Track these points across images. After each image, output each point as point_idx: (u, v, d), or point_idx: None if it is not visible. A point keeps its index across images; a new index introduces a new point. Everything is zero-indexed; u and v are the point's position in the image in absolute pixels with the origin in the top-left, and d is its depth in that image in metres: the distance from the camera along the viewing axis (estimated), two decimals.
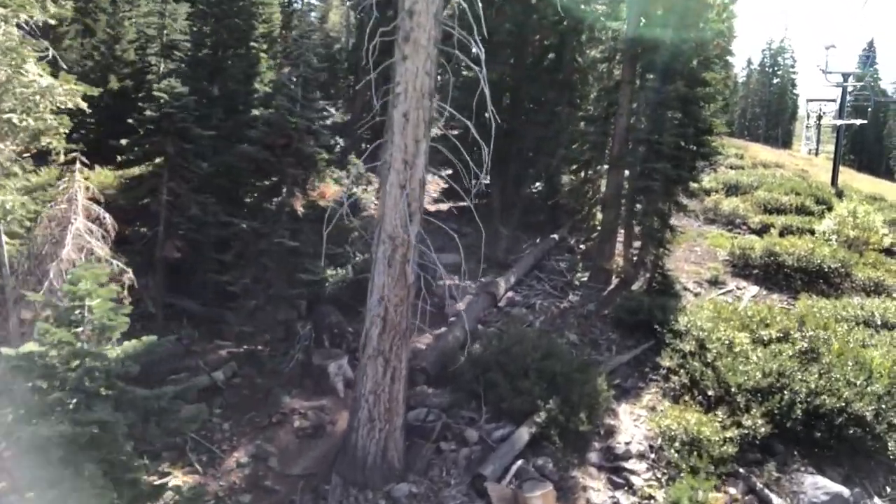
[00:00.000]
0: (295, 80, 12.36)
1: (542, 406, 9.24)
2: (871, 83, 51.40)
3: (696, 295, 17.85)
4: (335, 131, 42.63)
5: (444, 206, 26.97)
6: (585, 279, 17.87)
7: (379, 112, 8.60)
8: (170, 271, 12.57)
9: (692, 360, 11.39)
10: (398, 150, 7.51)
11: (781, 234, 24.70)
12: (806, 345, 11.37)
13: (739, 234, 26.25)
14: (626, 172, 17.91)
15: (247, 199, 11.36)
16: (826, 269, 19.25)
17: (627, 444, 9.92)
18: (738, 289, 18.77)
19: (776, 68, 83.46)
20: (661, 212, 17.13)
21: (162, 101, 12.07)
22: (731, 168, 49.93)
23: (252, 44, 19.36)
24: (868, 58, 70.23)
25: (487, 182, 26.62)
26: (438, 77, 9.22)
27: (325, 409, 10.77)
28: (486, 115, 7.25)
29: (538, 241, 22.10)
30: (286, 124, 11.72)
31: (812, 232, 24.37)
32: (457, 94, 9.56)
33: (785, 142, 77.77)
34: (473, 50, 7.68)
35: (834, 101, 47.28)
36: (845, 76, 41.06)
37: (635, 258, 18.12)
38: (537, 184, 26.08)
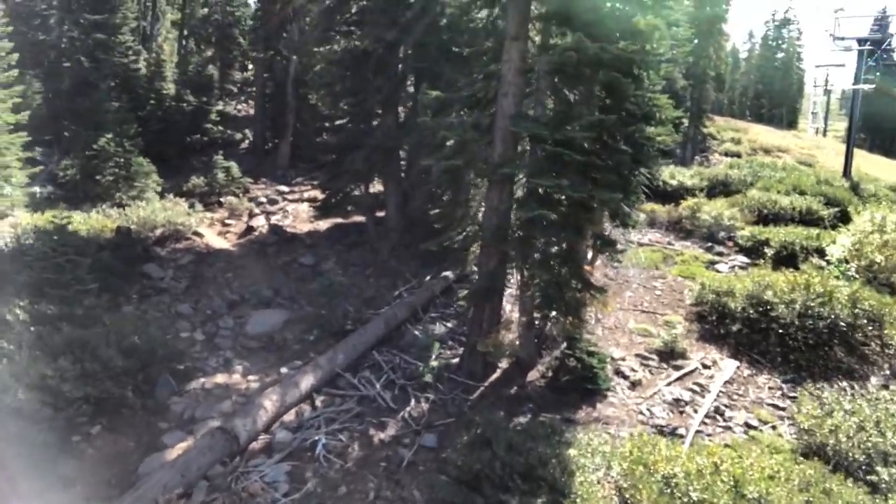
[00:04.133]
0: None
1: None
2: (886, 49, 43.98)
3: (634, 385, 11.04)
4: (243, 124, 35.88)
5: (324, 224, 20.21)
6: (456, 362, 11.12)
7: None
8: None
9: None
10: None
11: (778, 259, 17.85)
12: None
13: (722, 254, 19.37)
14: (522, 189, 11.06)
15: None
16: (844, 329, 12.40)
17: None
18: (705, 367, 11.95)
19: (780, 41, 76.06)
20: (571, 256, 10.33)
21: None
22: (727, 154, 42.79)
23: None
24: (881, 25, 62.59)
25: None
26: None
27: None
28: None
29: (428, 279, 15.29)
30: None
31: (822, 253, 17.45)
32: None
33: (790, 122, 70.48)
34: None
35: (843, 65, 40.21)
36: (860, 41, 33.77)
37: (538, 328, 11.38)
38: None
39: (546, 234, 9.90)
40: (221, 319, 12.78)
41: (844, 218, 22.19)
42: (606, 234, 11.00)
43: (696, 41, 37.35)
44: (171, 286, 13.81)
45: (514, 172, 10.08)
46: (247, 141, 32.85)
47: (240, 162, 28.30)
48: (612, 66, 9.16)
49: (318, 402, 9.66)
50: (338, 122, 18.69)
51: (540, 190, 9.82)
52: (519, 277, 11.06)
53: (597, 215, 10.37)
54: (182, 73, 31.60)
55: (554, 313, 10.49)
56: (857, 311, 12.71)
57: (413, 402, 9.91)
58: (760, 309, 12.87)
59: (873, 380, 11.98)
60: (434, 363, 10.30)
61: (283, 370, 10.92)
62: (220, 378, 10.66)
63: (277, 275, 15.55)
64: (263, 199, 22.54)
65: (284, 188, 24.69)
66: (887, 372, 12.20)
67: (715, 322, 13.43)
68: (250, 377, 10.76)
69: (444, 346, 12.12)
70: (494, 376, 10.94)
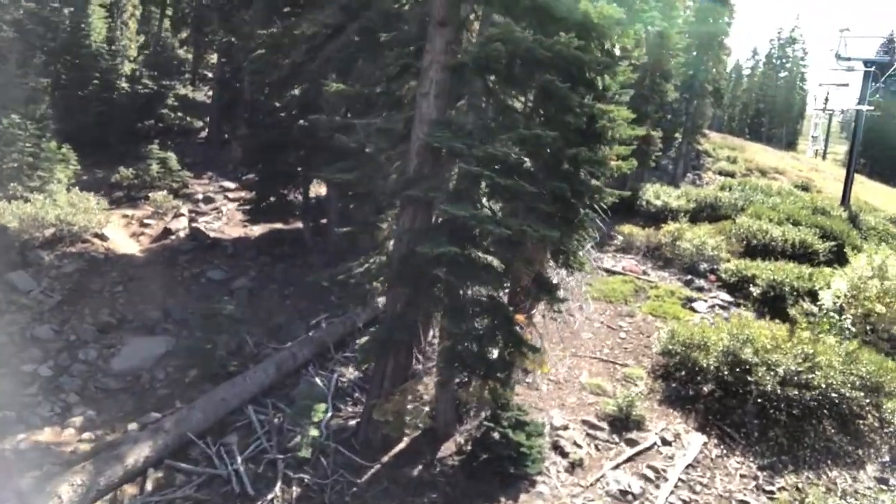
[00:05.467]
0: None
1: None
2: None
3: (574, 467, 8.83)
4: (201, 110, 33.43)
5: (258, 230, 17.89)
6: (355, 425, 8.91)
7: None
8: None
9: None
10: None
11: (764, 301, 15.74)
12: None
13: (702, 290, 17.19)
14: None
15: None
16: (836, 401, 10.26)
17: None
18: (665, 443, 9.74)
19: (784, 60, 74.44)
20: (496, 304, 8.15)
21: None
22: (720, 174, 40.70)
23: None
24: (889, 49, 60.76)
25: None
26: None
27: None
28: None
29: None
30: None
31: (814, 296, 15.30)
32: None
33: (789, 143, 68.76)
34: None
35: (847, 85, 38.24)
36: (867, 63, 31.74)
37: (458, 384, 9.17)
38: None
39: (461, 276, 7.67)
40: (84, 349, 10.48)
41: (841, 253, 20.11)
42: (543, 274, 8.76)
43: (694, 53, 35.32)
44: (38, 301, 11.50)
45: (426, 195, 7.83)
46: (206, 130, 30.59)
47: (192, 153, 25.98)
48: (552, 65, 6.94)
49: (148, 483, 7.40)
50: (272, 116, 16.39)
51: (456, 221, 7.60)
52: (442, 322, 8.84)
53: (533, 254, 8.16)
54: (153, 53, 29.45)
55: (474, 377, 8.26)
56: (852, 377, 10.60)
57: (279, 485, 7.66)
58: (737, 370, 10.71)
59: (869, 468, 9.82)
60: (314, 432, 8.03)
61: (132, 426, 8.66)
62: (47, 434, 8.39)
63: (178, 291, 13.27)
64: (200, 196, 20.24)
65: (230, 184, 22.35)
66: (886, 458, 10.05)
67: (683, 380, 11.25)
68: (87, 434, 8.49)
69: (348, 399, 9.91)
70: (399, 447, 8.73)
